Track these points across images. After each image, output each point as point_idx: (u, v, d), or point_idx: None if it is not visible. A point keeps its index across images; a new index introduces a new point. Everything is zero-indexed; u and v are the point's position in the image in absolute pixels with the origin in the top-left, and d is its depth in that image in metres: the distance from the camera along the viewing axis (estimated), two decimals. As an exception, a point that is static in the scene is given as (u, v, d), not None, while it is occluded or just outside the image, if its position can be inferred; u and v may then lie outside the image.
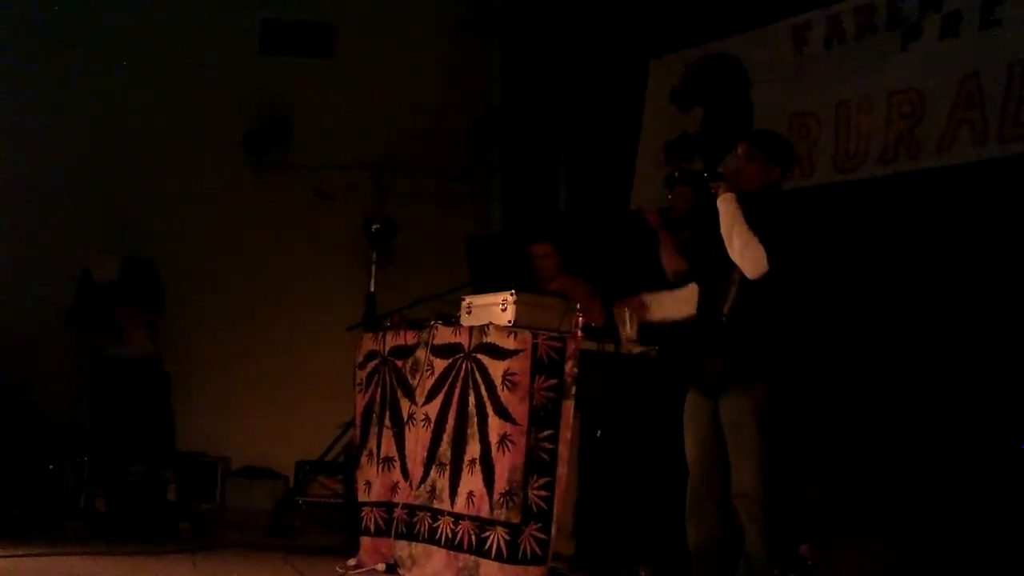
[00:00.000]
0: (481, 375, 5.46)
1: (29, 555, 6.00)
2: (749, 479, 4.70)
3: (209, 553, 6.49)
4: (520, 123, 9.71)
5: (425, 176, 9.83)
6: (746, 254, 4.73)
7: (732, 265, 4.82)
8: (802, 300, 4.84)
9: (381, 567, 5.98)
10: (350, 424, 7.24)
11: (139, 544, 6.66)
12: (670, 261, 5.67)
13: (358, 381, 6.49)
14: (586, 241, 7.78)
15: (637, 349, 5.31)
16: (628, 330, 5.22)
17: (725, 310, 4.85)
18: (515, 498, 5.18)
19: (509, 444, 5.22)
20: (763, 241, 4.70)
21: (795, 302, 4.82)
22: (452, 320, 5.93)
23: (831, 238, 6.16)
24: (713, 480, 4.88)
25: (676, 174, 5.72)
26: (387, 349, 6.28)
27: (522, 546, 5.18)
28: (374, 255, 8.85)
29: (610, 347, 5.68)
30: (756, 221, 4.77)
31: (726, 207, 4.87)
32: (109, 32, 9.66)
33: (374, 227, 8.83)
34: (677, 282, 5.40)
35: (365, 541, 6.16)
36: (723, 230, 4.85)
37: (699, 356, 4.93)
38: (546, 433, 5.25)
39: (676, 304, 5.27)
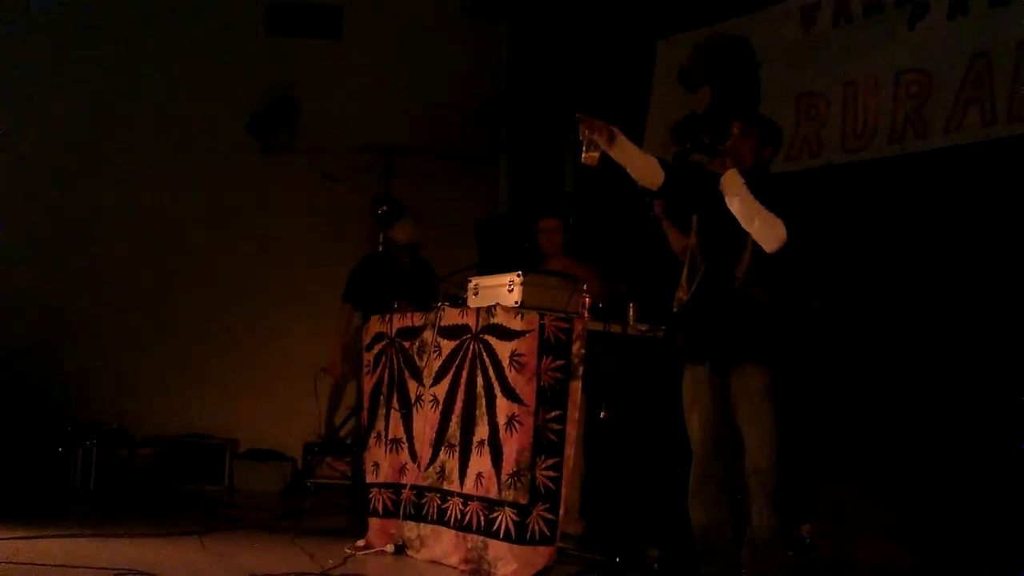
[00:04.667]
0: (489, 356, 5.46)
1: (40, 536, 6.01)
2: (765, 454, 4.66)
3: (218, 535, 6.49)
4: (528, 105, 9.69)
5: (433, 158, 9.83)
6: (766, 226, 4.69)
7: (741, 241, 4.78)
8: (813, 278, 4.83)
9: (390, 548, 5.99)
10: (358, 406, 7.25)
11: (148, 526, 6.67)
12: (677, 240, 5.71)
13: (366, 363, 6.49)
14: (593, 222, 7.79)
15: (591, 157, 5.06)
16: (585, 153, 5.03)
17: (736, 286, 4.80)
18: (523, 479, 5.19)
19: (517, 425, 5.22)
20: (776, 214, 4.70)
21: (806, 278, 4.81)
22: (459, 301, 5.93)
23: (832, 218, 6.17)
24: (718, 460, 4.84)
25: (688, 146, 5.62)
26: (394, 331, 6.28)
27: (530, 526, 5.19)
28: (381, 237, 8.84)
29: (617, 328, 5.67)
30: (758, 196, 4.75)
31: (733, 182, 4.83)
32: (115, 15, 9.66)
33: (381, 209, 8.82)
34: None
35: (373, 522, 6.18)
36: (736, 206, 4.78)
37: (710, 332, 4.88)
38: (554, 414, 5.25)
39: (646, 165, 5.02)
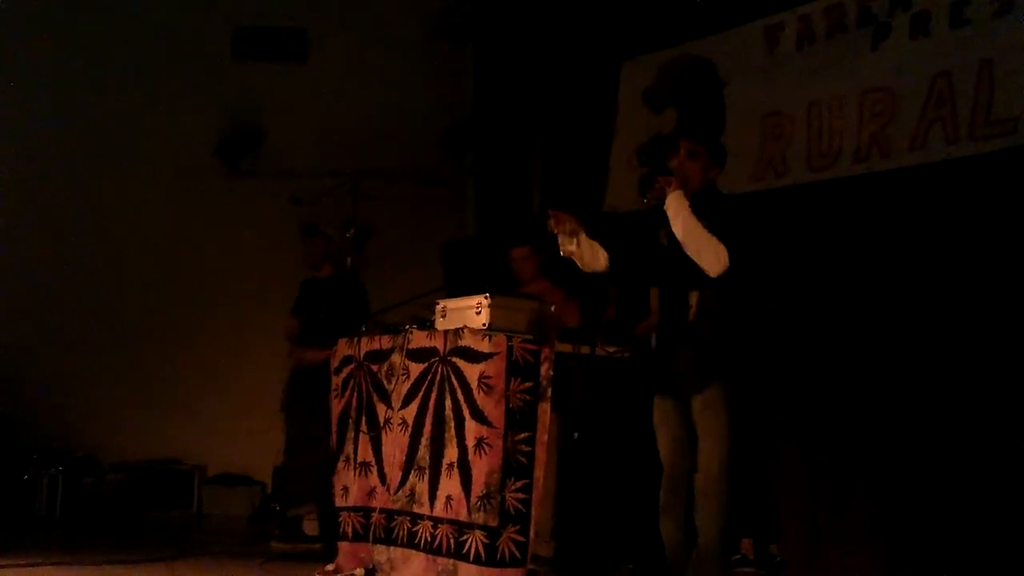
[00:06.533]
0: (457, 378, 5.44)
1: (3, 567, 5.95)
2: (714, 458, 4.76)
3: (186, 561, 6.45)
4: (494, 128, 9.71)
5: (399, 182, 9.81)
6: (707, 252, 4.74)
7: (692, 265, 4.82)
8: (771, 299, 4.87)
9: (360, 572, 5.95)
10: (327, 430, 7.20)
11: (114, 553, 6.61)
12: None
13: (334, 387, 6.46)
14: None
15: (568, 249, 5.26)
16: (566, 244, 5.22)
17: (691, 313, 4.86)
18: (492, 501, 5.16)
19: (486, 447, 5.20)
20: (721, 239, 4.74)
21: (759, 300, 4.85)
22: (427, 324, 5.91)
23: (798, 237, 6.20)
24: (686, 477, 4.91)
25: (649, 170, 5.66)
26: (362, 354, 6.26)
27: (500, 549, 5.16)
28: (349, 261, 8.83)
29: (586, 349, 5.69)
30: (706, 219, 4.79)
31: (678, 205, 4.87)
32: (80, 39, 9.63)
33: (348, 233, 8.82)
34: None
35: (343, 546, 6.14)
36: (678, 229, 4.83)
37: (667, 360, 4.96)
38: (522, 436, 5.23)
39: (592, 254, 5.21)
